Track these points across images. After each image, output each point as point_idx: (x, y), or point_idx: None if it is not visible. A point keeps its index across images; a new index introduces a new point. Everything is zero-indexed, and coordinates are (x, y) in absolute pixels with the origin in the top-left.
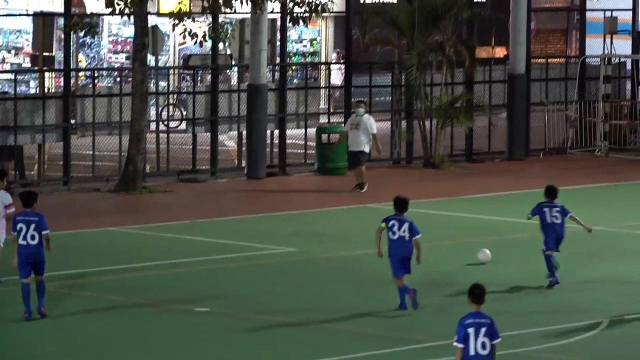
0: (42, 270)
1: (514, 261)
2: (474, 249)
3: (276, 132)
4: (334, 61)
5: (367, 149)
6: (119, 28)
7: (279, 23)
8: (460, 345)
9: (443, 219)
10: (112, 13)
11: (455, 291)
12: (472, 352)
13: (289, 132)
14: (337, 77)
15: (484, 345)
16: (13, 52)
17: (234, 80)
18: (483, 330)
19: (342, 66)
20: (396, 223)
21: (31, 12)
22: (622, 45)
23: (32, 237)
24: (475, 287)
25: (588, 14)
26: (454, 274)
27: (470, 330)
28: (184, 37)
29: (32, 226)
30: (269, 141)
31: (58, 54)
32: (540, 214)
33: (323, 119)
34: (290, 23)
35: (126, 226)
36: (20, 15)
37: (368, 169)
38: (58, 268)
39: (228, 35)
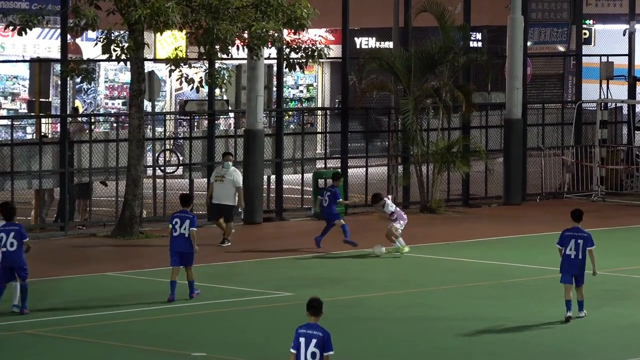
0: (24, 275)
1: (511, 305)
2: (472, 293)
3: (273, 177)
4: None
5: (234, 203)
6: (115, 74)
7: (275, 69)
8: (293, 351)
9: (440, 263)
10: (109, 59)
11: (456, 333)
12: (302, 359)
13: (285, 177)
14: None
15: (313, 355)
16: (10, 98)
17: (230, 125)
18: (314, 341)
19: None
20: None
21: (28, 58)
22: (619, 90)
23: (11, 244)
24: (313, 300)
25: (584, 59)
26: (454, 318)
27: (302, 340)
28: (181, 83)
29: (12, 234)
30: (265, 186)
31: (55, 100)
32: (322, 195)
33: (320, 164)
34: (287, 69)
35: (123, 271)
36: (16, 61)
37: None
38: (54, 313)
39: (225, 81)
